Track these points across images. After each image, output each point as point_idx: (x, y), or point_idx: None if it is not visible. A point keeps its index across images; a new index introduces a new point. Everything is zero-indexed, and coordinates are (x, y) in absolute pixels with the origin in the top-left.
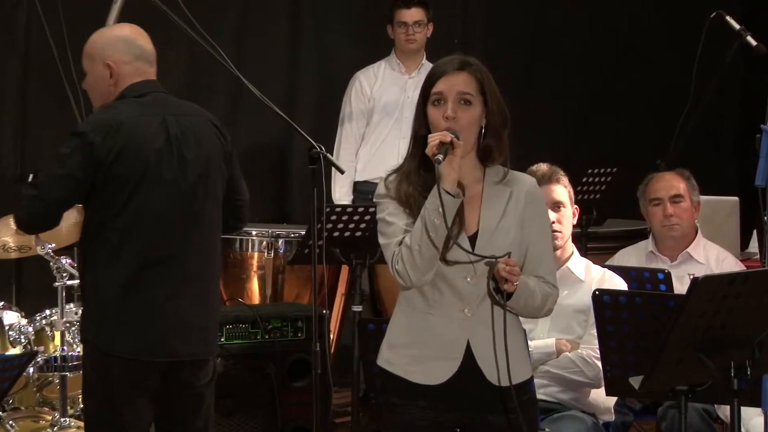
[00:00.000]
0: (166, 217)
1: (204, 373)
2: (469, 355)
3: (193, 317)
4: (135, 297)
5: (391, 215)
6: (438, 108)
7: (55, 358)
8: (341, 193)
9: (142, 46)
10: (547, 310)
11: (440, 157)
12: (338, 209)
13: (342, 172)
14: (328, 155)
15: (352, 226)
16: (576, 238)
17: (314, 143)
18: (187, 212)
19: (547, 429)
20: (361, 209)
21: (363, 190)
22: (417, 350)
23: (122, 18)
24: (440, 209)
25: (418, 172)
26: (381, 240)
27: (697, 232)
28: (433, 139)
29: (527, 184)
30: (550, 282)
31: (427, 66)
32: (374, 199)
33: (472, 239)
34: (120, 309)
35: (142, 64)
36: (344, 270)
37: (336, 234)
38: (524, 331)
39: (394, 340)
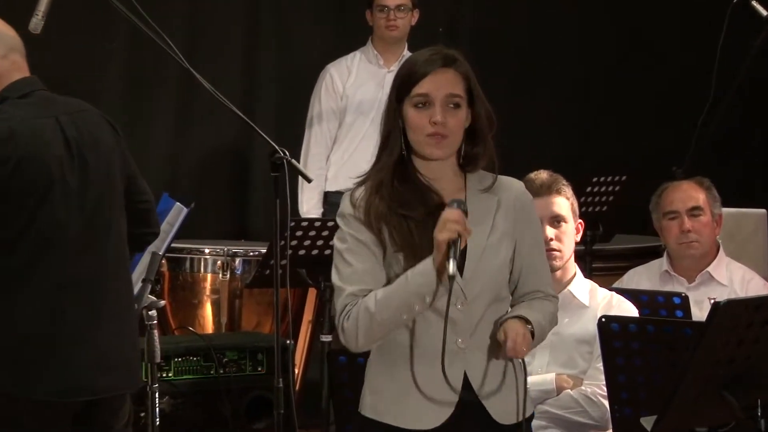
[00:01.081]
0: (76, 232)
1: (123, 413)
2: (467, 390)
3: (113, 346)
4: (48, 327)
5: (350, 252)
6: (422, 111)
7: None
8: (309, 205)
9: (11, 35)
10: (552, 327)
11: (454, 269)
12: (305, 224)
13: (309, 180)
14: (294, 161)
15: (320, 243)
16: (579, 257)
17: (277, 147)
18: (96, 225)
19: None
20: (331, 224)
21: (335, 201)
22: (406, 392)
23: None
24: (427, 298)
25: (392, 184)
26: (333, 278)
27: (718, 250)
28: (450, 228)
29: (515, 190)
30: (549, 294)
31: None
32: (338, 220)
33: (460, 259)
34: (31, 342)
35: (17, 57)
36: (311, 294)
37: (302, 252)
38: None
39: (377, 383)
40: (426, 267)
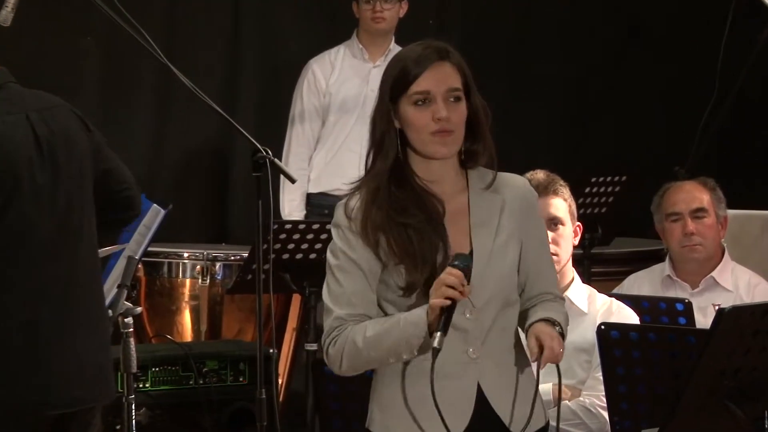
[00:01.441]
0: (47, 235)
1: (94, 425)
2: (482, 402)
3: (88, 356)
4: (21, 337)
5: (341, 271)
6: (422, 108)
7: None
8: (292, 207)
9: None
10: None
11: (440, 340)
12: (289, 226)
13: (293, 181)
14: (277, 161)
15: (305, 246)
16: (577, 262)
17: (260, 146)
18: (68, 228)
19: None
20: (316, 226)
21: (317, 203)
22: (418, 408)
23: None
24: (415, 352)
25: (389, 190)
26: (324, 294)
27: (723, 254)
28: (443, 293)
29: (520, 187)
30: (558, 295)
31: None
32: (332, 230)
33: (465, 265)
34: (3, 352)
35: None
36: (296, 300)
37: (286, 256)
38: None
39: (385, 399)
40: (419, 319)
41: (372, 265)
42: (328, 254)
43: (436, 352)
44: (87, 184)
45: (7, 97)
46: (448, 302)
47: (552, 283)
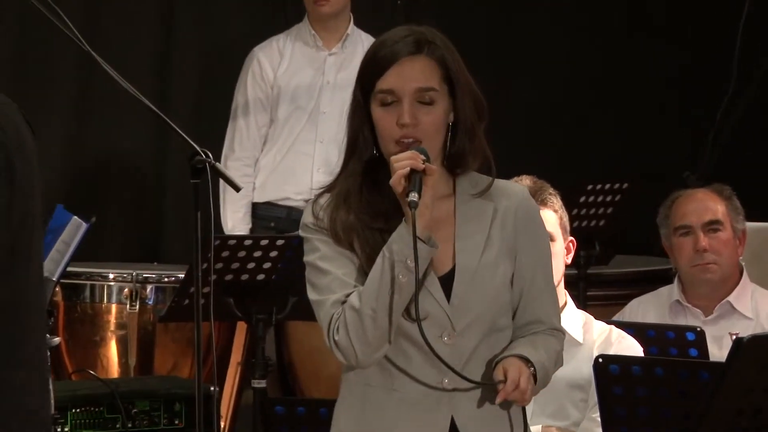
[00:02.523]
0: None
1: None
2: None
3: (32, 396)
4: None
5: (324, 260)
6: (388, 110)
7: None
8: (235, 220)
9: None
10: (557, 369)
11: (415, 196)
12: (233, 242)
13: (238, 189)
14: (219, 165)
15: (251, 266)
16: (570, 284)
17: (198, 148)
18: (21, 245)
19: None
20: (264, 242)
21: (264, 215)
22: None
23: None
24: (408, 262)
25: (360, 194)
26: (311, 295)
27: (741, 274)
28: (400, 165)
29: (518, 196)
30: (554, 326)
31: (356, 37)
32: (300, 232)
33: (446, 282)
34: None
35: None
36: (241, 329)
37: (229, 277)
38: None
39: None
40: (399, 231)
41: (354, 258)
42: (306, 256)
43: (413, 205)
44: (38, 194)
45: None
46: (407, 170)
47: (550, 311)
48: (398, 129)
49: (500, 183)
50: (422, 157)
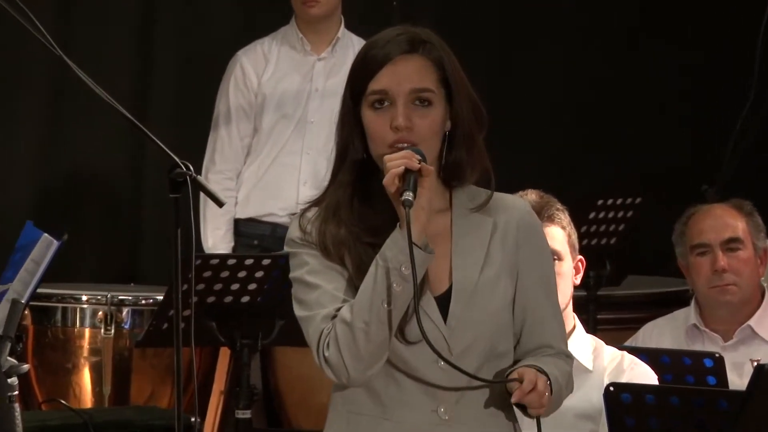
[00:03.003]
0: None
1: None
2: None
3: None
4: None
5: (313, 274)
6: (380, 113)
7: None
8: (216, 238)
9: None
10: (568, 394)
11: (410, 195)
12: (215, 261)
13: (221, 204)
14: (200, 179)
15: (235, 287)
16: (579, 306)
17: (178, 160)
18: None
19: None
20: (249, 261)
21: (247, 232)
22: None
23: None
24: (403, 269)
25: (351, 206)
26: (298, 312)
27: (763, 296)
28: (394, 164)
29: (518, 210)
30: (562, 352)
31: (347, 41)
32: (286, 247)
33: (443, 302)
34: None
35: None
36: (224, 356)
37: (211, 299)
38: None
39: None
40: (393, 236)
41: (345, 275)
42: (292, 272)
43: (408, 203)
44: None
45: None
46: (402, 169)
47: (557, 334)
48: (392, 133)
49: (499, 196)
50: (418, 156)
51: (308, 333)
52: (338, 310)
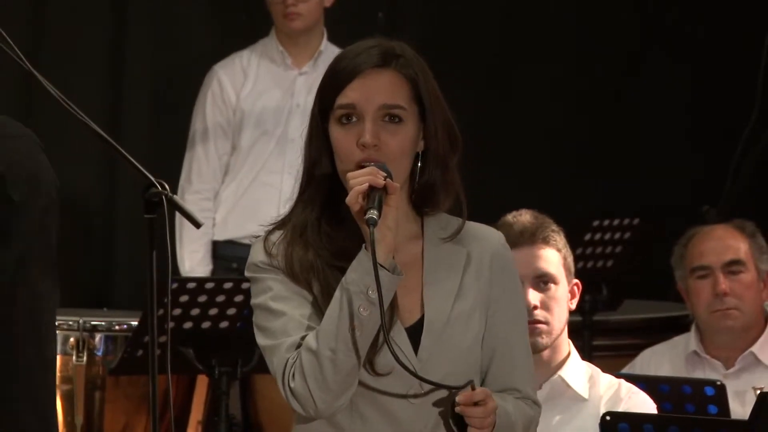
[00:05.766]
0: None
1: None
2: None
3: None
4: None
5: (278, 300)
6: (348, 129)
7: None
8: (194, 261)
9: None
10: None
11: (374, 213)
12: (192, 285)
13: (198, 225)
14: (177, 199)
15: (213, 312)
16: (574, 332)
17: (154, 179)
18: (25, 303)
19: None
20: (228, 285)
21: (226, 255)
22: None
23: None
24: (370, 293)
25: (319, 227)
26: (261, 341)
27: (766, 321)
28: (358, 181)
29: (492, 241)
30: (530, 397)
31: (330, 55)
32: (247, 272)
33: (414, 334)
34: None
35: None
36: (201, 384)
37: (188, 325)
38: None
39: None
40: (358, 258)
41: (311, 302)
42: (254, 298)
43: (372, 221)
44: (51, 241)
45: None
46: (365, 186)
47: (526, 379)
48: (359, 150)
49: (472, 225)
50: (383, 173)
51: (272, 363)
52: (303, 338)
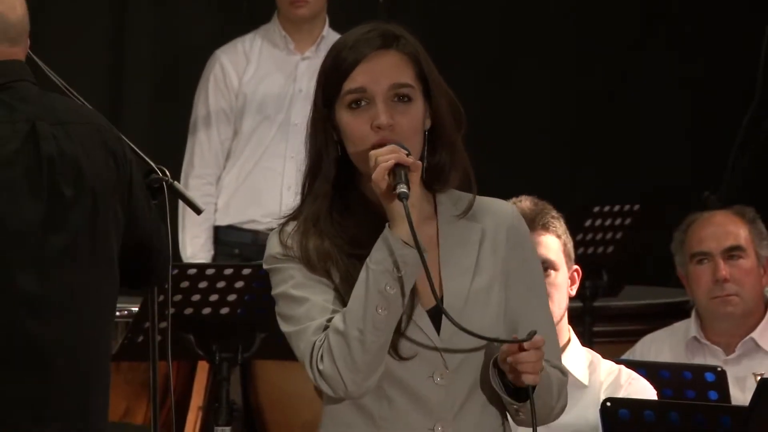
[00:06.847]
0: (29, 293)
1: None
2: None
3: None
4: None
5: (299, 287)
6: (358, 113)
7: None
8: (195, 246)
9: None
10: (560, 409)
11: (404, 188)
12: (193, 271)
13: (199, 211)
14: (178, 185)
15: (214, 298)
16: (575, 318)
17: (154, 165)
18: (60, 286)
19: None
20: (229, 271)
21: (228, 240)
22: None
23: None
24: (395, 270)
25: (331, 217)
26: (286, 328)
27: (767, 307)
28: (384, 159)
29: (506, 214)
30: (557, 366)
31: (332, 41)
32: (265, 265)
33: (435, 315)
34: None
35: None
36: (202, 370)
37: (189, 311)
38: None
39: None
40: (382, 237)
41: (332, 288)
42: (275, 288)
43: (404, 196)
44: (107, 231)
45: (10, 101)
46: (392, 163)
47: (551, 348)
48: (373, 133)
49: (483, 200)
50: (405, 151)
51: (299, 348)
52: (329, 320)
